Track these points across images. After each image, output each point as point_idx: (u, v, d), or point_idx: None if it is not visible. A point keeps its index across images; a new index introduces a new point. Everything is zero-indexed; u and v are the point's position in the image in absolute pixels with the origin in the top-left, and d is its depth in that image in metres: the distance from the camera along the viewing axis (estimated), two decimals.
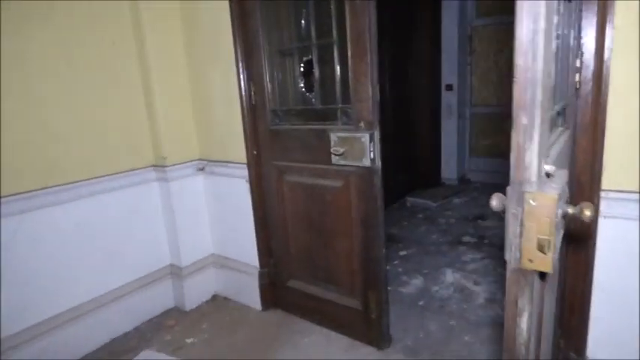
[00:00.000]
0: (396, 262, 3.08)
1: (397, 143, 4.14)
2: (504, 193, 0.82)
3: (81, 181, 2.13)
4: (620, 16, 1.34)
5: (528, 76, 0.72)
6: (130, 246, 2.37)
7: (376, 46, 1.74)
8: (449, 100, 4.91)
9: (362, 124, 1.80)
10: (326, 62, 1.95)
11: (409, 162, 4.59)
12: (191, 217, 2.53)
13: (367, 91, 1.76)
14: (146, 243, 2.45)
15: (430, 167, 4.92)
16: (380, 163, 1.80)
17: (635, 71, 1.35)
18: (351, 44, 1.77)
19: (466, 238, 3.49)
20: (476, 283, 2.73)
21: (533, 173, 0.76)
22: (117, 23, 2.24)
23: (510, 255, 0.82)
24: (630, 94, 1.37)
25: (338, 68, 1.87)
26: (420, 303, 2.53)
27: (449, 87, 4.88)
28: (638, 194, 1.39)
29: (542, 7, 0.69)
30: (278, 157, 2.16)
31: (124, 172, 2.32)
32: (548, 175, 0.81)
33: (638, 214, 1.41)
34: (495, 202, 0.93)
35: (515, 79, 0.74)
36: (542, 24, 0.70)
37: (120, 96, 2.29)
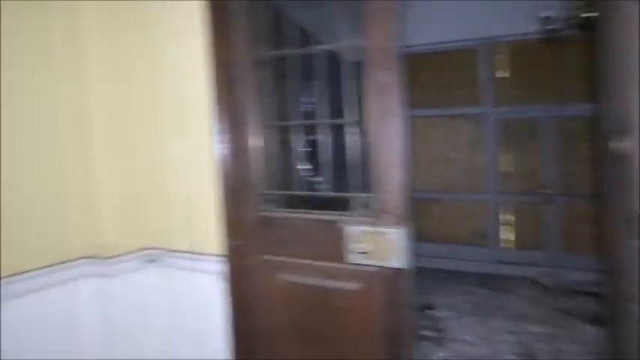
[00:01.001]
0: None
1: None
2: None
3: None
4: None
5: None
6: None
7: (405, 130, 1.59)
8: None
9: (390, 218, 1.55)
10: (338, 144, 1.71)
11: None
12: (134, 324, 1.87)
13: (397, 181, 1.55)
14: None
15: None
16: (412, 264, 1.54)
17: None
18: (376, 126, 1.58)
19: (425, 332, 3.30)
20: None
21: None
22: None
23: None
24: None
25: (356, 152, 1.64)
26: None
27: None
28: None
29: None
30: (269, 250, 1.76)
31: (41, 268, 1.65)
32: None
33: None
34: None
35: None
36: None
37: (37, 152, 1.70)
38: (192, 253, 1.89)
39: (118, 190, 1.87)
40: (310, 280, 1.68)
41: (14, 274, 1.58)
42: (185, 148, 1.91)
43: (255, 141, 1.80)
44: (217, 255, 1.82)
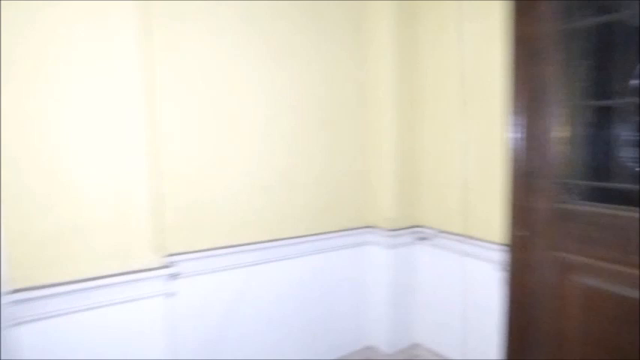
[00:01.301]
0: None
1: None
2: None
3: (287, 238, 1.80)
4: None
5: None
6: (330, 319, 1.93)
7: None
8: None
9: None
10: None
11: None
12: (402, 293, 2.02)
13: None
14: (346, 317, 1.99)
15: None
16: None
17: None
18: None
19: None
20: None
21: None
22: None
23: None
24: None
25: None
26: None
27: None
28: None
29: None
30: (564, 247, 1.55)
31: (337, 231, 1.93)
32: None
33: None
34: None
35: None
36: None
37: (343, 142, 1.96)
38: (465, 236, 1.86)
39: (394, 169, 1.99)
40: (621, 291, 1.40)
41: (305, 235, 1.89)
42: (468, 129, 1.86)
43: (556, 123, 1.59)
44: (495, 243, 1.72)
